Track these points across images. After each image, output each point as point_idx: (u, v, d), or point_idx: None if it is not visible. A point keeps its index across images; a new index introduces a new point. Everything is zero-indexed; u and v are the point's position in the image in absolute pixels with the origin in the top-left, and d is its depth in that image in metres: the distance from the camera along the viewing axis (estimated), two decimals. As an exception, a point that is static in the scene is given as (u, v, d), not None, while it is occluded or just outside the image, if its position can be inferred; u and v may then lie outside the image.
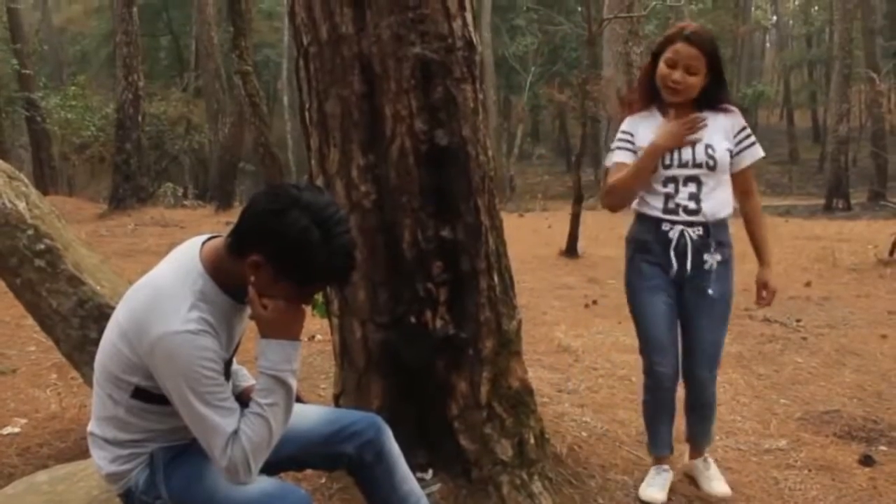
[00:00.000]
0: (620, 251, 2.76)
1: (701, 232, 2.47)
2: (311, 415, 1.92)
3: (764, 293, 2.61)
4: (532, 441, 2.54)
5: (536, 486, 2.47)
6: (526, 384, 2.61)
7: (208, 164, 20.73)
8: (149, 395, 1.65)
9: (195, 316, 1.57)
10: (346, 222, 1.61)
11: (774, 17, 40.71)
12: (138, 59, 13.89)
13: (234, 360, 1.92)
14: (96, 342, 1.82)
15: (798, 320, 5.31)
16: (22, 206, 2.82)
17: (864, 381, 3.98)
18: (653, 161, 2.47)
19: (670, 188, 2.48)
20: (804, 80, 38.89)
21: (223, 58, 19.43)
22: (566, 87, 18.84)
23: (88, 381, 2.68)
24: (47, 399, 3.62)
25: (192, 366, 1.54)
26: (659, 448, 2.71)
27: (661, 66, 2.44)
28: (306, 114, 2.49)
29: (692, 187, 2.46)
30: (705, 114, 2.47)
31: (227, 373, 1.73)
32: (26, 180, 3.00)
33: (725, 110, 2.51)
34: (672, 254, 2.48)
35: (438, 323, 2.38)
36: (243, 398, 1.80)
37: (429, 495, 2.07)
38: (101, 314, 2.75)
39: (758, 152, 2.53)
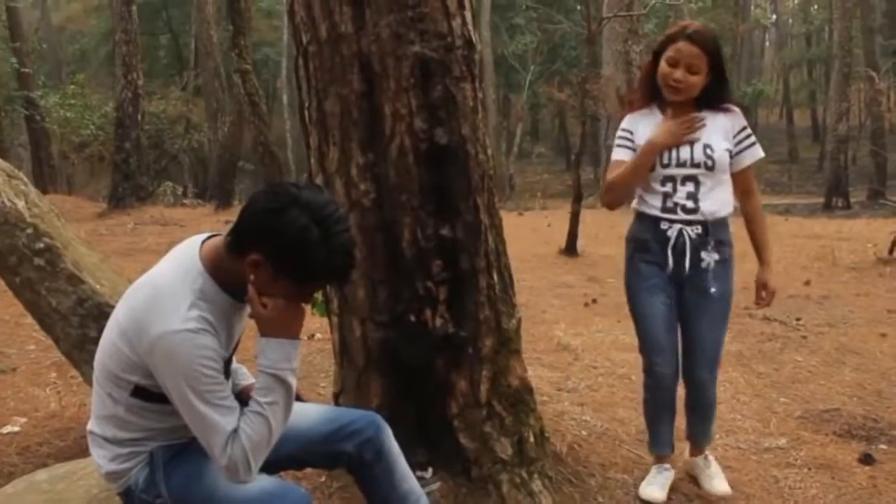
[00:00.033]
0: (620, 250, 2.76)
1: (699, 230, 2.47)
2: (310, 413, 1.92)
3: (763, 294, 2.60)
4: (532, 439, 2.54)
5: (536, 485, 2.47)
6: (525, 383, 2.61)
7: (208, 162, 20.72)
8: (148, 394, 1.65)
9: (195, 315, 1.56)
10: (346, 221, 1.61)
11: (774, 16, 40.69)
12: (137, 58, 13.89)
13: (234, 358, 1.91)
14: (96, 341, 1.82)
15: (798, 319, 5.31)
16: (21, 204, 2.82)
17: (863, 380, 3.98)
18: (650, 159, 2.46)
19: (668, 187, 2.47)
20: (803, 78, 38.88)
21: (222, 56, 19.42)
22: (565, 85, 18.86)
23: (88, 379, 2.68)
24: (47, 398, 3.62)
25: (191, 364, 1.54)
26: (659, 447, 2.71)
27: (663, 65, 2.43)
28: (306, 112, 2.49)
29: (690, 187, 2.46)
30: (704, 113, 2.47)
31: (227, 371, 1.73)
32: (25, 179, 3.00)
33: (726, 110, 2.50)
34: (669, 252, 2.47)
35: (438, 321, 2.38)
36: (243, 397, 1.80)
37: (428, 494, 2.07)
38: (101, 313, 2.75)
39: (758, 152, 2.52)
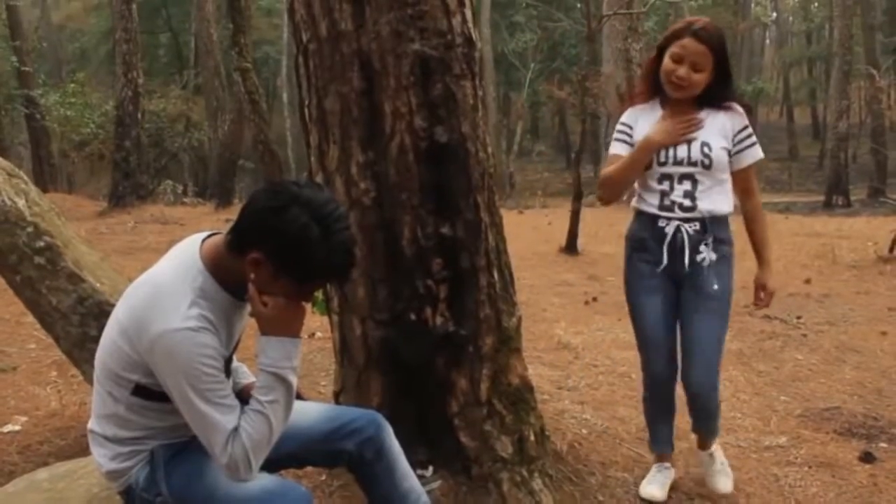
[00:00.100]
0: (620, 248, 2.75)
1: (697, 227, 2.43)
2: (311, 412, 1.92)
3: (762, 294, 2.57)
4: (532, 438, 2.54)
5: (537, 483, 2.47)
6: (526, 381, 2.61)
7: (208, 161, 20.69)
8: (149, 393, 1.65)
9: (195, 313, 1.56)
10: (346, 219, 1.61)
11: (774, 14, 40.62)
12: (138, 57, 13.86)
13: (235, 357, 1.92)
14: (96, 340, 1.82)
15: (798, 317, 5.31)
16: (21, 203, 2.82)
17: (864, 378, 3.98)
18: (646, 155, 2.44)
19: (665, 185, 2.45)
20: (804, 76, 38.86)
21: (223, 55, 19.40)
22: (566, 83, 18.81)
23: (88, 378, 2.68)
24: (47, 396, 3.62)
25: (192, 363, 1.54)
26: (659, 446, 2.71)
27: (667, 61, 2.38)
28: (306, 111, 2.48)
29: (687, 185, 2.43)
30: (705, 112, 2.43)
31: (228, 370, 1.73)
32: (26, 177, 2.99)
33: (727, 109, 2.45)
34: (665, 248, 2.45)
35: (438, 320, 2.38)
36: (243, 395, 1.80)
37: (429, 492, 2.07)
38: (101, 311, 2.75)
39: (757, 153, 2.48)
